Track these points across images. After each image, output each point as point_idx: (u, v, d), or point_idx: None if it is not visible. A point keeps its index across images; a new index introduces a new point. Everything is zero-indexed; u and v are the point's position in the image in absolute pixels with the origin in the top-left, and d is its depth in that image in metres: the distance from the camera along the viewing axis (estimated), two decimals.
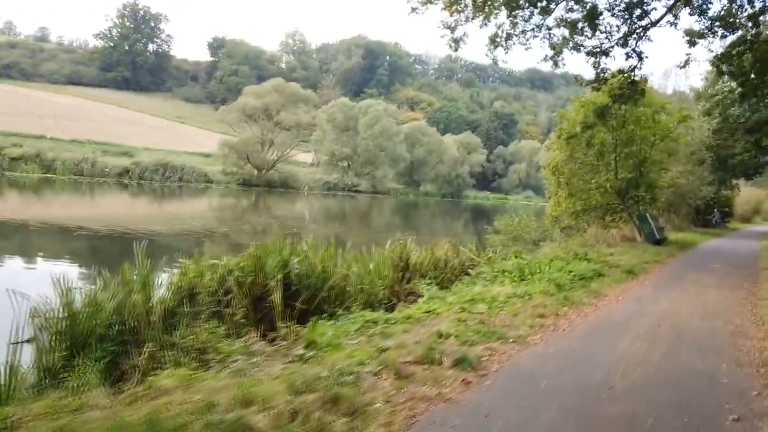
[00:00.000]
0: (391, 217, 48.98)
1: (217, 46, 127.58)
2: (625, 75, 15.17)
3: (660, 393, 4.57)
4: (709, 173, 30.06)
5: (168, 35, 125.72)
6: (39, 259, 15.13)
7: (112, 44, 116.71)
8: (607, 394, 4.49)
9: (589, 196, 20.50)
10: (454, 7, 13.93)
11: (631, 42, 14.74)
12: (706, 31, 14.08)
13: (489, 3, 13.76)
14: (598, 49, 14.74)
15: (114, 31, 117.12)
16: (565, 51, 15.01)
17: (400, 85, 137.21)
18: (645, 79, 15.83)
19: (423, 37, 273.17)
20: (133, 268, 6.47)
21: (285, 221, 32.15)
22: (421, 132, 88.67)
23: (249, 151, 63.99)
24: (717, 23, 13.88)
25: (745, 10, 13.71)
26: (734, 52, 14.25)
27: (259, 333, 6.31)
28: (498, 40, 14.83)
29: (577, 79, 16.46)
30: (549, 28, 14.74)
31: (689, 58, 15.06)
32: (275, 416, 3.57)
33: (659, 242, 18.66)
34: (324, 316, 6.88)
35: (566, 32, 14.63)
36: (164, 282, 6.84)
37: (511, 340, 5.93)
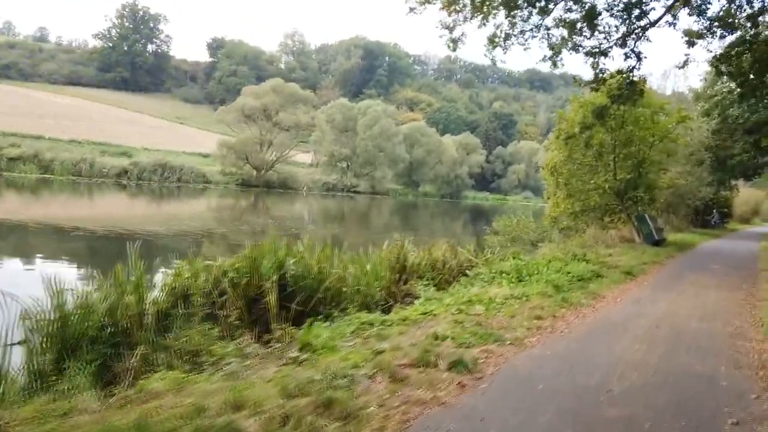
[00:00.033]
0: (390, 218, 48.92)
1: (216, 46, 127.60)
2: (624, 75, 15.12)
3: (658, 396, 4.52)
4: (708, 174, 30.04)
5: (167, 36, 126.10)
6: (32, 260, 15.02)
7: (111, 44, 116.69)
8: (605, 396, 4.43)
9: (588, 196, 20.47)
10: (453, 7, 13.89)
11: (630, 42, 14.70)
12: (705, 31, 14.04)
13: (487, 3, 13.72)
14: (597, 50, 14.70)
15: (113, 32, 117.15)
16: (564, 51, 14.99)
17: (399, 85, 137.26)
18: (644, 80, 15.79)
19: (422, 38, 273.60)
20: (126, 269, 6.39)
21: (284, 222, 32.10)
22: (420, 133, 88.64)
23: (248, 152, 63.89)
24: (716, 23, 13.85)
25: (744, 10, 13.68)
26: (733, 53, 14.19)
27: (253, 335, 6.25)
28: (496, 40, 14.80)
29: (576, 80, 16.43)
30: (548, 29, 14.72)
31: (688, 58, 15.06)
32: (266, 421, 3.51)
33: (658, 243, 18.62)
34: (320, 317, 6.80)
35: (565, 32, 14.60)
36: (158, 283, 6.78)
37: (508, 342, 5.87)
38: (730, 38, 14.17)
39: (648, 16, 14.22)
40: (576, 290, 9.17)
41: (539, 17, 14.40)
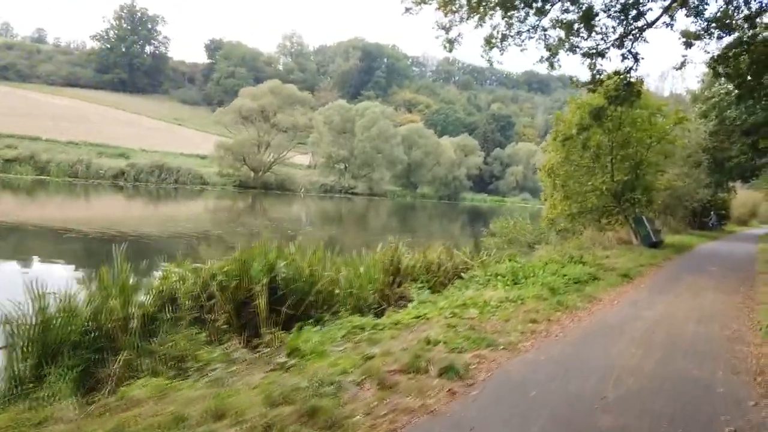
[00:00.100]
0: (388, 220, 48.81)
1: (214, 48, 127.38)
2: (621, 76, 15.06)
3: (654, 403, 4.40)
4: (705, 176, 29.99)
5: (165, 37, 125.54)
6: (20, 263, 14.84)
7: (109, 46, 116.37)
8: (599, 404, 4.31)
9: (585, 198, 20.40)
10: (449, 8, 13.81)
11: (627, 43, 14.64)
12: (703, 32, 13.98)
13: (484, 3, 13.64)
14: (594, 51, 14.64)
15: (111, 33, 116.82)
16: (561, 52, 14.92)
17: (397, 87, 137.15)
18: (641, 81, 15.75)
19: (420, 40, 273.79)
20: (111, 271, 6.25)
21: (281, 224, 31.97)
22: (418, 134, 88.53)
23: (245, 153, 63.65)
24: (713, 24, 13.78)
25: (742, 11, 13.61)
26: (731, 54, 14.12)
27: (242, 339, 6.12)
28: (493, 41, 14.73)
29: (573, 81, 16.38)
30: (544, 29, 14.64)
31: (685, 59, 15.03)
32: (247, 431, 3.39)
33: (655, 245, 18.53)
34: (310, 321, 6.68)
35: (562, 33, 14.53)
36: (146, 286, 6.64)
37: (502, 347, 5.75)
38: (728, 39, 14.13)
39: (645, 16, 14.15)
40: (572, 293, 9.07)
41: (536, 18, 14.33)
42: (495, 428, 3.81)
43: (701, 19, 13.76)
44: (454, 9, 13.83)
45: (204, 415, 3.61)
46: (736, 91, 17.46)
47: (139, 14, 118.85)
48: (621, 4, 13.95)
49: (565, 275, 10.41)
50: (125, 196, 45.64)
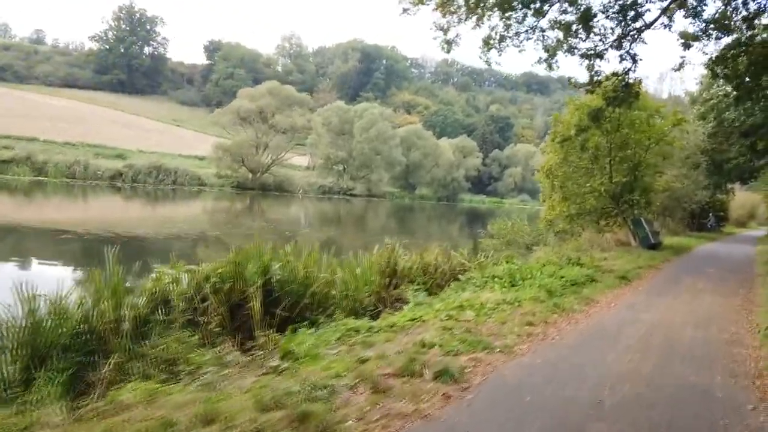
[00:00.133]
0: (387, 221, 48.76)
1: (213, 49, 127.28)
2: (619, 77, 15.03)
3: (651, 408, 4.34)
4: (704, 177, 29.98)
5: (164, 38, 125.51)
6: (14, 265, 14.73)
7: (107, 47, 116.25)
8: (594, 410, 4.24)
9: (584, 199, 20.36)
10: (447, 8, 13.76)
11: (626, 44, 14.60)
12: (701, 33, 13.94)
13: (482, 4, 13.59)
14: (592, 52, 14.59)
15: (110, 34, 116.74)
16: (560, 53, 14.88)
17: (396, 88, 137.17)
18: (639, 82, 15.71)
19: (419, 41, 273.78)
20: (103, 272, 6.19)
21: (279, 225, 31.92)
22: (417, 135, 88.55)
23: (243, 154, 63.57)
24: (711, 26, 13.75)
25: (740, 12, 13.56)
26: (729, 55, 14.09)
27: (236, 342, 6.05)
28: (491, 42, 14.67)
29: (571, 82, 16.34)
30: (543, 30, 14.60)
31: (684, 61, 14.98)
32: None
33: (654, 247, 18.49)
34: (305, 324, 6.61)
35: (560, 34, 14.49)
36: (139, 288, 6.57)
37: (498, 350, 5.69)
38: (726, 40, 14.10)
39: (643, 17, 14.12)
40: (569, 295, 9.01)
41: (534, 19, 14.28)
42: None
43: (699, 21, 13.73)
44: (451, 10, 13.78)
45: (193, 421, 3.54)
46: (735, 92, 17.42)
47: (137, 15, 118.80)
48: (619, 5, 13.91)
49: (562, 277, 10.35)
50: (122, 197, 45.54)
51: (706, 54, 14.52)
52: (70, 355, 5.09)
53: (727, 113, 25.33)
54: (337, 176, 76.92)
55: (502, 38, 14.54)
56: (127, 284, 6.53)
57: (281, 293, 7.09)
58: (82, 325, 5.45)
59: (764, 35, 14.15)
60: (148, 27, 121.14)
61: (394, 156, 79.99)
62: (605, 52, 14.59)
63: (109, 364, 4.95)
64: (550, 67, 15.27)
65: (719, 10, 13.69)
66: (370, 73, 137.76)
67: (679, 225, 30.34)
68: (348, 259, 9.99)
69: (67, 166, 52.65)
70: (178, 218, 32.81)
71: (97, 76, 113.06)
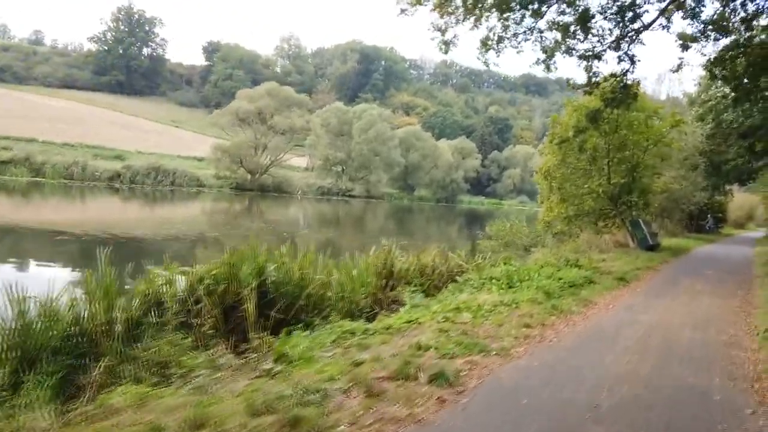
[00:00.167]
0: (385, 222, 48.70)
1: (212, 50, 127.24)
2: (618, 79, 14.99)
3: (648, 412, 4.28)
4: (702, 179, 29.96)
5: (163, 39, 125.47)
6: (8, 266, 14.61)
7: (106, 48, 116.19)
8: (591, 413, 4.18)
9: (582, 201, 20.31)
10: (444, 9, 13.70)
11: (624, 45, 14.56)
12: (699, 34, 13.91)
13: (479, 5, 13.53)
14: (591, 53, 14.55)
15: (108, 35, 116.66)
16: (558, 55, 14.82)
17: (395, 90, 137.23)
18: (637, 83, 15.67)
19: (418, 43, 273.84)
20: (98, 274, 6.12)
21: (277, 226, 31.85)
22: (416, 137, 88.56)
23: (242, 155, 63.50)
24: (710, 27, 13.72)
25: (738, 13, 13.53)
26: (727, 56, 14.06)
27: (229, 345, 6.00)
28: (489, 42, 14.61)
29: (569, 83, 16.28)
30: (541, 32, 14.54)
31: (682, 62, 14.93)
32: None
33: (652, 248, 18.44)
34: (300, 326, 6.55)
35: (558, 35, 14.44)
36: (132, 289, 6.50)
37: (494, 352, 5.63)
38: (724, 42, 14.07)
39: (641, 18, 14.08)
40: (567, 297, 8.95)
41: (532, 20, 14.23)
42: None
43: (698, 22, 13.69)
44: (449, 11, 13.72)
45: (182, 426, 3.48)
46: (733, 93, 17.38)
47: (136, 16, 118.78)
48: (617, 6, 13.88)
49: (560, 279, 10.30)
50: (121, 198, 45.43)
51: (705, 55, 14.52)
52: (60, 358, 5.02)
53: (725, 114, 25.31)
54: (336, 177, 76.87)
55: (500, 39, 14.49)
56: (126, 286, 6.49)
57: (276, 295, 7.04)
58: (73, 328, 5.38)
59: (762, 36, 14.12)
60: (147, 28, 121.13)
61: (393, 157, 79.96)
62: (603, 53, 14.56)
63: (100, 367, 4.87)
64: (548, 68, 15.21)
65: (717, 12, 13.67)
66: (369, 74, 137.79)
67: (677, 226, 30.32)
68: (344, 261, 9.94)
69: (65, 167, 52.54)
70: (176, 219, 32.72)
71: (95, 77, 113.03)
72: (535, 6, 13.96)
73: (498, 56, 14.87)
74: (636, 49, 14.60)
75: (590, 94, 15.88)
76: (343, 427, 3.60)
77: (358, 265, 9.61)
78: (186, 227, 27.43)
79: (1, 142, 54.45)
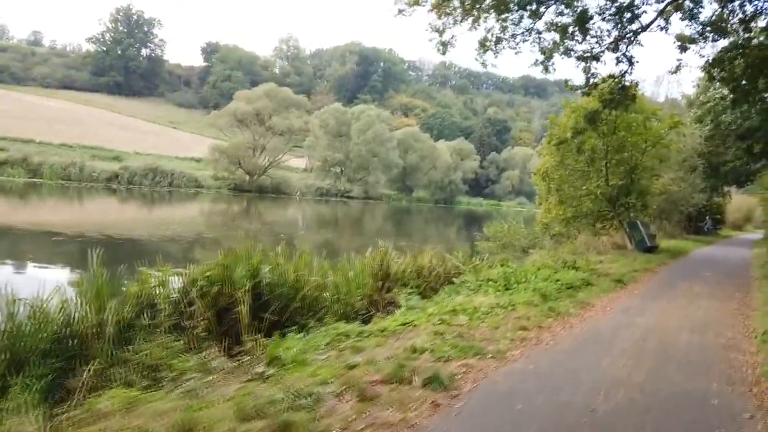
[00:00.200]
0: (383, 223, 48.64)
1: (210, 51, 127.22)
2: (616, 80, 14.95)
3: (645, 417, 4.22)
4: (701, 180, 29.94)
5: (161, 40, 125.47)
6: (4, 267, 14.52)
7: (104, 49, 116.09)
8: (587, 418, 4.12)
9: (580, 202, 20.27)
10: (442, 10, 13.66)
11: (622, 46, 14.53)
12: (698, 36, 13.88)
13: (477, 5, 13.49)
14: (589, 54, 14.52)
15: (107, 36, 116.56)
16: (556, 56, 14.79)
17: (393, 91, 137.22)
18: (635, 84, 15.63)
19: (417, 44, 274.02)
20: (92, 275, 6.05)
21: (276, 227, 31.80)
22: (414, 138, 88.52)
23: (240, 156, 63.38)
24: (708, 28, 13.69)
25: (737, 15, 13.51)
26: (726, 58, 14.03)
27: (223, 347, 5.92)
28: (488, 43, 14.58)
29: (568, 84, 16.24)
30: (539, 33, 14.51)
31: (680, 63, 14.93)
32: None
33: (650, 250, 18.40)
34: (294, 328, 6.48)
35: (556, 36, 14.41)
36: (124, 291, 6.42)
37: (490, 355, 5.57)
38: (723, 43, 14.06)
39: (640, 20, 14.05)
40: (564, 299, 8.90)
41: (530, 21, 14.20)
42: None
43: (696, 23, 13.67)
44: (447, 11, 13.68)
45: (170, 430, 3.41)
46: (731, 95, 17.37)
47: (135, 17, 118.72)
48: (616, 7, 13.84)
49: (557, 281, 10.24)
50: (118, 199, 45.31)
51: (703, 57, 14.48)
52: (49, 360, 4.93)
53: (723, 116, 25.33)
54: (335, 178, 76.79)
55: (498, 40, 14.45)
56: (123, 288, 6.41)
57: (270, 297, 6.97)
58: (63, 330, 5.31)
59: (761, 38, 14.09)
60: (146, 29, 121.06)
61: (392, 158, 79.91)
62: (602, 54, 14.53)
63: (89, 370, 4.79)
64: (546, 69, 15.18)
65: (716, 13, 13.64)
66: (368, 76, 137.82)
67: (675, 228, 30.28)
68: (341, 262, 9.87)
69: (62, 168, 52.40)
70: (174, 220, 32.62)
71: (94, 77, 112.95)
72: (533, 7, 13.92)
73: (496, 57, 14.85)
74: (634, 51, 14.62)
75: (588, 95, 15.85)
76: None
77: (354, 266, 9.55)
78: (183, 228, 27.33)
79: None
